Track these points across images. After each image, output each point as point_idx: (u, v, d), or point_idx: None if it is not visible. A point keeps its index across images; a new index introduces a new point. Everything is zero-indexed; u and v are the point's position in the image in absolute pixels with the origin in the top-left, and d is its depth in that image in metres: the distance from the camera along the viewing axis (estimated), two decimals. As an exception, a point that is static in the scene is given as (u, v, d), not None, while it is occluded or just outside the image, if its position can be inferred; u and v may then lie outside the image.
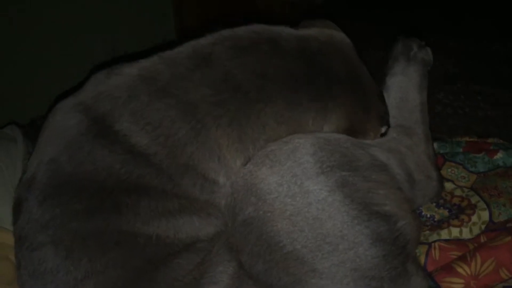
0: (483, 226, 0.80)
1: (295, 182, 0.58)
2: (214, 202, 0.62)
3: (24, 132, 0.89)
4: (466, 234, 0.79)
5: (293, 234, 0.56)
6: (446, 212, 0.84)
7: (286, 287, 0.57)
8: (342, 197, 0.58)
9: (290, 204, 0.57)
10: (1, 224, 0.73)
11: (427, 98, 0.80)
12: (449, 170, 0.91)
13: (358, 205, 0.58)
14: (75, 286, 0.55)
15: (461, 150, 0.96)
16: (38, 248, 0.57)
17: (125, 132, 0.59)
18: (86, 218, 0.57)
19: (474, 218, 0.80)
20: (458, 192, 0.87)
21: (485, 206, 0.82)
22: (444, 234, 0.78)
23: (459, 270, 0.71)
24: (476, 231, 0.79)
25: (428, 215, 0.84)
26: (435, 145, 0.98)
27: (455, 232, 0.79)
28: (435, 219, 0.84)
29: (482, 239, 0.77)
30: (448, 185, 0.89)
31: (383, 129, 0.73)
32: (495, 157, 0.92)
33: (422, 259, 0.75)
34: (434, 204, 0.86)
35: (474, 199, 0.84)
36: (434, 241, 0.77)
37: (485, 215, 0.81)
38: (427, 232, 0.80)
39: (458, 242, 0.77)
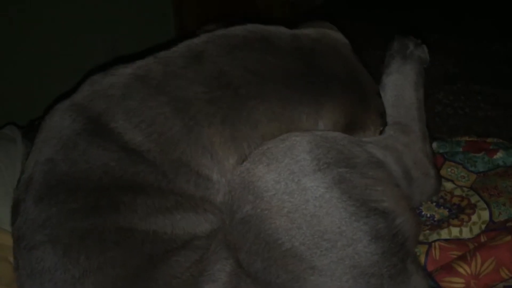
0: (483, 226, 0.80)
1: (292, 179, 0.58)
2: (209, 198, 0.62)
3: (24, 132, 0.89)
4: (466, 233, 0.79)
5: (291, 232, 0.56)
6: (446, 212, 0.84)
7: (285, 284, 0.57)
8: (340, 194, 0.58)
9: (287, 201, 0.57)
10: (0, 225, 0.73)
11: (427, 98, 0.80)
12: (449, 169, 0.91)
13: (355, 201, 0.58)
14: (73, 284, 0.55)
15: (460, 149, 0.96)
16: (35, 247, 0.57)
17: (119, 130, 0.60)
18: (83, 216, 0.57)
19: (474, 217, 0.80)
20: (458, 192, 0.87)
21: (485, 206, 0.81)
22: (444, 234, 0.78)
23: (460, 269, 0.71)
24: (476, 230, 0.79)
25: (428, 215, 0.84)
26: (435, 144, 0.98)
27: (455, 231, 0.79)
28: (435, 219, 0.84)
29: (482, 238, 0.77)
30: (448, 185, 0.89)
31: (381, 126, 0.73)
32: (494, 156, 0.92)
33: (422, 259, 0.75)
34: (434, 203, 0.86)
35: (474, 198, 0.84)
36: (434, 241, 0.77)
37: (485, 214, 0.80)
38: (427, 231, 0.80)
39: (458, 241, 0.77)
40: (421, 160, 0.73)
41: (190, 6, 1.83)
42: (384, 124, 0.74)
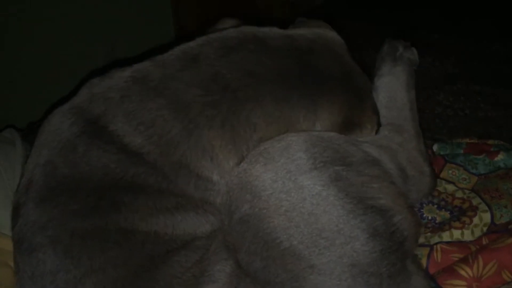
0: (484, 228, 0.79)
1: (289, 178, 0.58)
2: (209, 199, 0.63)
3: (23, 135, 0.89)
4: (467, 236, 0.78)
5: (290, 230, 0.57)
6: (447, 214, 0.84)
7: (284, 284, 0.57)
8: (336, 191, 0.58)
9: (285, 199, 0.58)
10: (0, 229, 0.72)
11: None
12: (450, 171, 0.91)
13: (352, 199, 0.58)
14: (74, 285, 0.56)
15: (461, 151, 0.96)
16: (36, 249, 0.57)
17: (118, 133, 0.60)
18: (84, 217, 0.58)
19: (475, 220, 0.80)
20: (459, 194, 0.87)
21: (486, 208, 0.81)
22: (446, 236, 0.78)
23: (462, 272, 0.70)
24: (477, 233, 0.79)
25: (430, 217, 0.84)
26: (436, 146, 0.98)
27: (456, 234, 0.78)
28: (437, 221, 0.83)
29: (484, 241, 0.77)
30: (449, 187, 0.88)
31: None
32: (495, 158, 0.92)
33: (424, 262, 0.74)
34: (436, 206, 0.86)
35: (476, 201, 0.84)
36: (436, 243, 0.77)
37: (486, 217, 0.80)
38: (429, 234, 0.80)
39: (459, 244, 0.77)
40: (416, 158, 0.73)
41: (189, 6, 1.83)
42: (379, 124, 0.75)
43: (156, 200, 0.60)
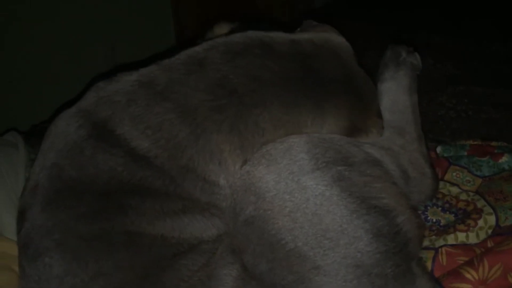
0: (489, 231, 0.79)
1: (292, 179, 0.59)
2: (215, 203, 0.63)
3: (25, 138, 0.88)
4: (472, 238, 0.78)
5: (294, 231, 0.57)
6: (452, 217, 0.84)
7: (290, 286, 0.57)
8: (339, 191, 0.59)
9: (289, 200, 0.58)
10: (3, 232, 0.72)
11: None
12: (454, 174, 0.91)
13: (356, 199, 0.59)
14: None
15: (465, 153, 0.96)
16: (43, 253, 0.57)
17: (126, 136, 0.61)
18: (91, 220, 0.58)
19: (480, 222, 0.80)
20: (463, 197, 0.87)
21: (491, 211, 0.81)
22: (451, 239, 0.78)
23: (467, 275, 0.70)
24: (482, 235, 0.78)
25: (434, 220, 0.84)
26: (439, 148, 0.98)
27: (461, 237, 0.78)
28: (441, 224, 0.83)
29: (489, 243, 0.76)
30: (454, 189, 0.88)
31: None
32: (500, 160, 0.91)
33: (429, 265, 0.74)
34: (440, 208, 0.85)
35: (480, 203, 0.83)
36: (441, 246, 0.76)
37: (491, 219, 0.80)
38: (433, 237, 0.79)
39: (464, 247, 0.76)
40: (417, 160, 0.74)
41: (189, 6, 1.83)
42: (382, 127, 0.75)
43: (163, 203, 0.60)
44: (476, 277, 0.70)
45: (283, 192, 0.58)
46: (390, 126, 0.76)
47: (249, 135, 0.62)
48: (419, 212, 0.83)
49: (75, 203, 0.58)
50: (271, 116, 0.63)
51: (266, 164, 0.60)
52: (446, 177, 0.90)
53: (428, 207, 0.85)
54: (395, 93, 0.79)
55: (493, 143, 0.98)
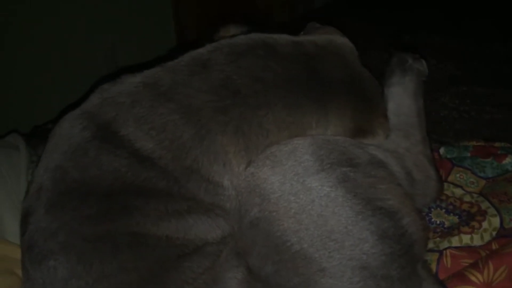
0: (494, 233, 0.79)
1: (297, 180, 0.59)
2: (219, 204, 0.63)
3: (27, 139, 0.88)
4: (477, 240, 0.78)
5: (300, 233, 0.57)
6: (455, 219, 0.84)
7: None
8: (344, 192, 0.58)
9: (294, 201, 0.58)
10: (4, 235, 0.71)
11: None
12: (458, 175, 0.91)
13: (361, 200, 0.59)
14: None
15: (468, 154, 0.96)
16: (48, 256, 0.57)
17: (130, 137, 0.60)
18: (96, 222, 0.58)
19: (485, 224, 0.79)
20: (467, 198, 0.86)
21: (495, 212, 0.81)
22: (455, 241, 0.78)
23: (472, 278, 0.70)
24: (487, 237, 0.78)
25: (438, 222, 0.84)
26: (442, 149, 0.97)
27: (466, 239, 0.78)
28: (445, 226, 0.83)
29: (494, 246, 0.76)
30: (457, 191, 0.88)
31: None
32: (503, 161, 0.91)
33: (434, 267, 0.74)
34: (444, 210, 0.85)
35: (484, 205, 0.83)
36: (445, 249, 0.76)
37: (495, 221, 0.80)
38: (438, 239, 0.79)
39: (469, 249, 0.76)
40: (422, 162, 0.74)
41: (189, 7, 1.82)
42: (388, 129, 0.75)
43: (168, 204, 0.60)
44: (481, 280, 0.69)
45: (288, 193, 0.58)
46: (395, 129, 0.76)
47: (253, 137, 0.62)
48: (423, 214, 0.83)
49: (80, 205, 0.58)
50: (275, 117, 0.63)
51: (271, 166, 0.60)
52: (450, 178, 0.90)
53: (432, 209, 0.85)
54: (400, 97, 0.79)
55: (496, 144, 0.98)
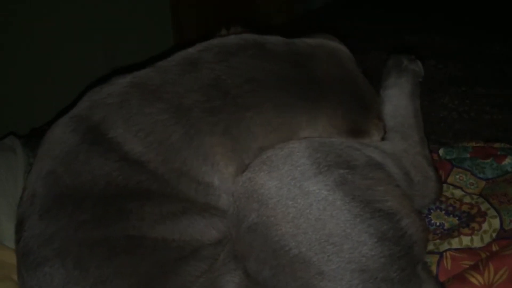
0: (494, 234, 0.78)
1: (294, 185, 0.58)
2: (212, 204, 0.63)
3: (24, 142, 0.88)
4: (477, 242, 0.78)
5: (298, 237, 0.56)
6: (455, 220, 0.83)
7: None
8: (342, 195, 0.58)
9: (292, 206, 0.57)
10: (2, 240, 0.71)
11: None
12: (457, 176, 0.90)
13: (359, 202, 0.58)
14: None
15: (468, 155, 0.95)
16: (43, 263, 0.56)
17: (118, 139, 0.60)
18: (92, 227, 0.57)
19: (485, 226, 0.79)
20: (467, 199, 0.86)
21: (495, 214, 0.80)
22: (455, 243, 0.77)
23: (472, 280, 0.69)
24: (487, 239, 0.78)
25: (438, 223, 0.83)
26: (442, 150, 0.97)
27: (466, 240, 0.77)
28: (445, 227, 0.83)
29: (494, 247, 0.76)
30: (457, 192, 0.88)
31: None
32: (503, 162, 0.91)
33: (434, 269, 0.73)
34: (444, 212, 0.85)
35: (484, 206, 0.83)
36: (445, 250, 0.75)
37: (495, 222, 0.79)
38: (438, 241, 0.79)
39: (469, 251, 0.76)
40: (420, 163, 0.73)
41: (188, 8, 1.82)
42: (384, 131, 0.75)
43: (162, 207, 0.60)
44: (482, 282, 0.69)
45: (285, 198, 0.58)
46: (393, 131, 0.76)
47: (241, 139, 0.62)
48: (423, 215, 0.82)
49: (74, 211, 0.58)
50: (263, 119, 0.63)
51: (267, 171, 0.59)
52: (449, 179, 0.90)
53: (432, 210, 0.85)
54: (397, 99, 0.79)
55: (496, 145, 0.98)
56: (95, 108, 0.62)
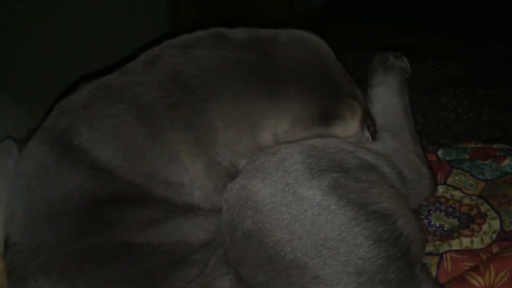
0: (494, 236, 0.78)
1: (288, 191, 0.58)
2: (190, 203, 0.62)
3: (22, 145, 0.87)
4: (477, 243, 0.77)
5: (293, 243, 0.56)
6: (455, 221, 0.83)
7: None
8: (337, 200, 0.58)
9: (286, 212, 0.57)
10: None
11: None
12: (457, 177, 0.90)
13: (354, 206, 0.58)
14: None
15: (467, 156, 0.95)
16: (29, 277, 0.56)
17: (84, 147, 0.59)
18: (76, 238, 0.57)
19: (485, 227, 0.79)
20: (466, 201, 0.86)
21: (495, 215, 0.80)
22: (455, 244, 0.77)
23: (473, 281, 0.69)
24: (487, 240, 0.78)
25: (437, 225, 0.83)
26: (441, 151, 0.97)
27: (466, 242, 0.77)
28: (445, 229, 0.82)
29: (494, 249, 0.75)
30: (456, 193, 0.87)
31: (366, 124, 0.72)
32: (502, 163, 0.90)
33: (434, 271, 0.73)
34: (443, 213, 0.84)
35: (484, 207, 0.83)
36: (445, 252, 0.75)
37: (495, 224, 0.79)
38: (438, 242, 0.78)
39: (469, 252, 0.75)
40: (413, 161, 0.73)
41: (186, 7, 1.81)
42: (374, 131, 0.74)
43: (144, 212, 0.59)
44: (482, 283, 0.69)
45: (280, 205, 0.57)
46: (384, 130, 0.75)
47: (203, 134, 0.61)
48: (422, 217, 0.82)
49: (55, 225, 0.58)
50: (221, 111, 0.62)
51: (261, 178, 0.59)
52: (449, 181, 0.90)
53: (431, 212, 0.85)
54: (385, 97, 0.79)
55: (495, 146, 0.98)
56: (61, 116, 0.62)
